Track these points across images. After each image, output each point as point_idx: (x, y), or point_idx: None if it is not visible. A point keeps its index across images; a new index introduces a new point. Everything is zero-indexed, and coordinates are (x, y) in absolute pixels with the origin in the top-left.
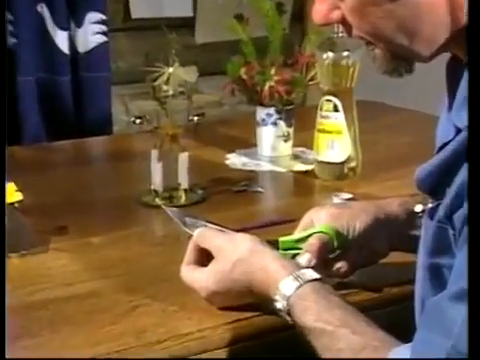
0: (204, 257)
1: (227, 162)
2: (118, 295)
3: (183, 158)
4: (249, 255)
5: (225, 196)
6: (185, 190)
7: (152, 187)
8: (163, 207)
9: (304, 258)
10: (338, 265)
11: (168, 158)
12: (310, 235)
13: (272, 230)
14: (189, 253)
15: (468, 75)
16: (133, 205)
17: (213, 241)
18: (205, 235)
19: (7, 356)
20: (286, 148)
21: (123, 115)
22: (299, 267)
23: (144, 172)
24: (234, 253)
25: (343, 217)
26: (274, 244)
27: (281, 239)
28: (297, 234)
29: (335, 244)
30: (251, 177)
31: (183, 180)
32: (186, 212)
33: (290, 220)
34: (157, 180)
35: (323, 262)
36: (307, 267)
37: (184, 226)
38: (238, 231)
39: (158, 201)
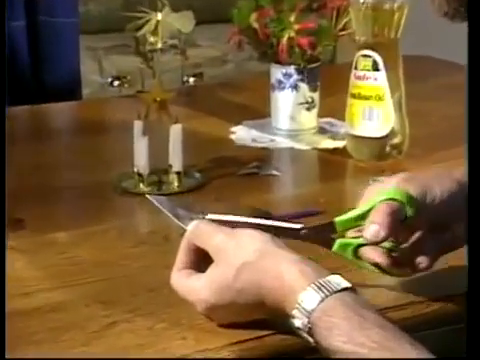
0: (201, 260)
1: (232, 137)
2: (91, 308)
3: (175, 132)
4: (259, 258)
5: (230, 181)
6: (178, 173)
7: (135, 169)
8: (148, 197)
9: (370, 230)
10: (418, 259)
11: (156, 132)
12: (373, 208)
13: None
14: (181, 254)
15: (468, 75)
16: (110, 192)
17: (212, 239)
18: (202, 231)
19: (7, 356)
20: (309, 119)
21: (96, 75)
22: (324, 273)
23: (124, 150)
24: (239, 255)
25: (418, 180)
26: (328, 227)
27: (337, 219)
28: (357, 209)
29: (408, 212)
30: (263, 157)
31: (175, 160)
32: (179, 201)
33: (314, 212)
34: (141, 160)
35: (394, 235)
36: (375, 243)
37: (176, 219)
38: (245, 226)
39: (142, 187)
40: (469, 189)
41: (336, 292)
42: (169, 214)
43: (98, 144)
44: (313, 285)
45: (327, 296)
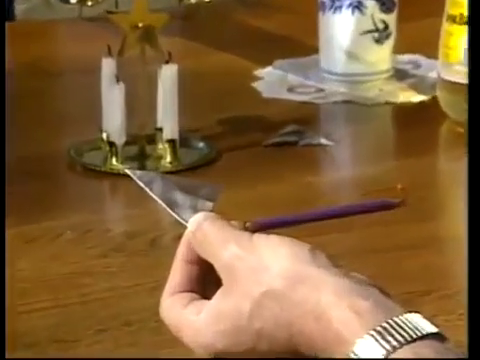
0: (204, 277)
1: (257, 85)
2: (36, 350)
3: (168, 77)
4: (289, 284)
5: (251, 156)
6: (171, 142)
7: (103, 136)
8: (129, 172)
9: None
10: None
11: (136, 77)
12: None
13: (347, 225)
14: (176, 270)
15: (468, 77)
16: (64, 172)
17: (220, 249)
18: (206, 235)
19: (7, 356)
20: (381, 56)
21: None
22: (392, 309)
23: (86, 105)
24: (260, 278)
25: None
26: None
27: None
28: None
29: None
30: (305, 117)
31: (167, 122)
32: (175, 182)
33: (387, 205)
34: (114, 122)
35: None
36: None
37: (169, 208)
38: (273, 226)
39: (115, 164)
40: (469, 189)
41: (411, 342)
42: (159, 200)
43: (43, 96)
44: (374, 332)
45: (395, 349)
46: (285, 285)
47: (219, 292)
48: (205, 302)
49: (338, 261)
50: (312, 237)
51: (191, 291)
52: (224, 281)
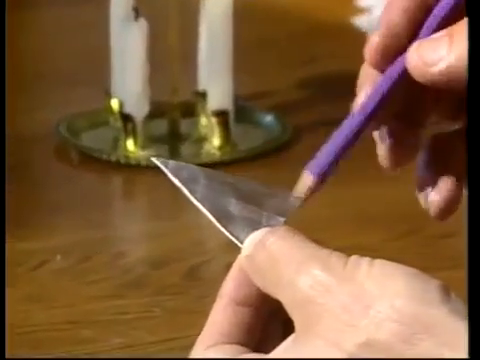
0: (259, 327)
1: (359, 22)
2: None
3: (217, 9)
4: (404, 335)
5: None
6: (221, 115)
7: (114, 103)
8: (156, 161)
9: None
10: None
11: (167, 9)
12: None
13: None
14: (219, 313)
15: (468, 78)
16: (50, 158)
17: (297, 275)
18: (273, 252)
19: (7, 356)
20: None
21: None
22: None
23: (86, 54)
24: (358, 321)
25: None
26: None
27: None
28: None
29: None
30: None
31: (216, 82)
32: (229, 183)
33: None
34: (131, 81)
35: None
36: None
37: (218, 222)
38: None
39: (132, 148)
40: (469, 187)
41: None
42: (203, 210)
43: (17, 41)
44: None
45: None
46: (397, 334)
47: (288, 340)
48: (262, 356)
49: None
50: None
51: (238, 344)
52: (298, 324)
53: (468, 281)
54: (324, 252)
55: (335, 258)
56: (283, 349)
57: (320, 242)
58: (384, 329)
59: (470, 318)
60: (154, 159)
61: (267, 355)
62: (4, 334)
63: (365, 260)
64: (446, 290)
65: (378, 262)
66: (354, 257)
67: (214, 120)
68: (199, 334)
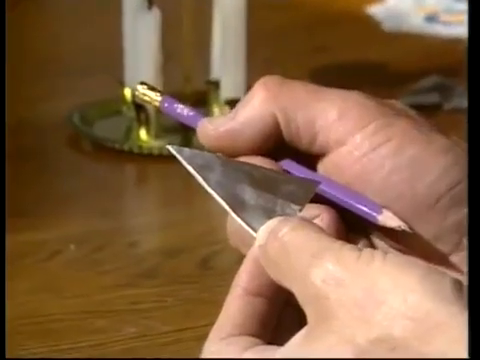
0: (272, 319)
1: (376, 13)
2: None
3: (228, 0)
4: (418, 331)
5: None
6: (234, 105)
7: (127, 92)
8: (171, 149)
9: None
10: None
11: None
12: None
13: None
14: (233, 304)
15: (468, 74)
16: (62, 148)
17: (310, 267)
18: (286, 244)
19: (7, 356)
20: None
21: None
22: None
23: (98, 42)
24: (371, 316)
25: None
26: None
27: None
28: None
29: None
30: (454, 62)
31: (229, 70)
32: (245, 171)
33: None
34: (144, 69)
35: None
36: None
37: (232, 211)
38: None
39: (146, 137)
40: (468, 187)
41: None
42: (217, 198)
43: (27, 28)
44: None
45: None
46: (410, 331)
47: (301, 334)
48: (275, 349)
49: None
50: None
51: (251, 335)
52: (310, 318)
53: (468, 281)
54: (337, 244)
55: (348, 251)
56: (296, 344)
57: None
58: (397, 325)
59: (470, 318)
60: (169, 146)
61: (280, 348)
62: (4, 334)
63: (378, 254)
64: (459, 286)
65: (391, 256)
66: (367, 250)
67: (227, 109)
68: (212, 324)
